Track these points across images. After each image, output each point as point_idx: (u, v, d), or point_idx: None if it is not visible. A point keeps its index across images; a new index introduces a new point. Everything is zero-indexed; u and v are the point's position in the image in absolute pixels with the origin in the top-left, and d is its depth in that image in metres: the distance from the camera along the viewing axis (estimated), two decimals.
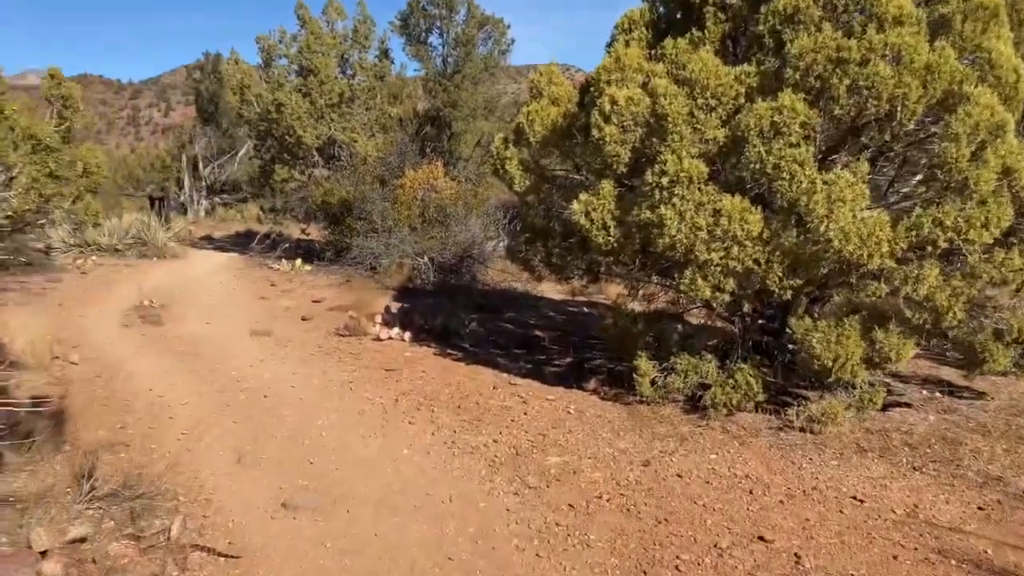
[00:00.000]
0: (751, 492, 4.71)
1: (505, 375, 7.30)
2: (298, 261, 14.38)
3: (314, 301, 11.36)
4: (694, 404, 6.27)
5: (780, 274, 5.45)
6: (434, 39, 17.16)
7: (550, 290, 12.41)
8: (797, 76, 5.40)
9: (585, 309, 11.62)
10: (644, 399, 6.29)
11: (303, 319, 9.89)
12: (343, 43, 15.43)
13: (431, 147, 16.12)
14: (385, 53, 16.13)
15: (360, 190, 13.83)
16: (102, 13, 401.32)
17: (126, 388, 6.42)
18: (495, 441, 5.49)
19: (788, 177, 5.14)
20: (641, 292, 8.27)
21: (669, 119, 5.55)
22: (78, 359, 7.05)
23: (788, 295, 5.60)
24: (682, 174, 5.44)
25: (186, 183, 27.76)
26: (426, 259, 12.65)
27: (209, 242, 19.97)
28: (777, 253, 5.40)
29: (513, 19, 18.00)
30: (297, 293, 12.08)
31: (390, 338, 8.60)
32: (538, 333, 9.51)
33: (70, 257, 14.54)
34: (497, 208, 14.21)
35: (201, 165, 28.84)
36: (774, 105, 5.22)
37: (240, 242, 19.89)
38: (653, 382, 6.25)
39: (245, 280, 13.29)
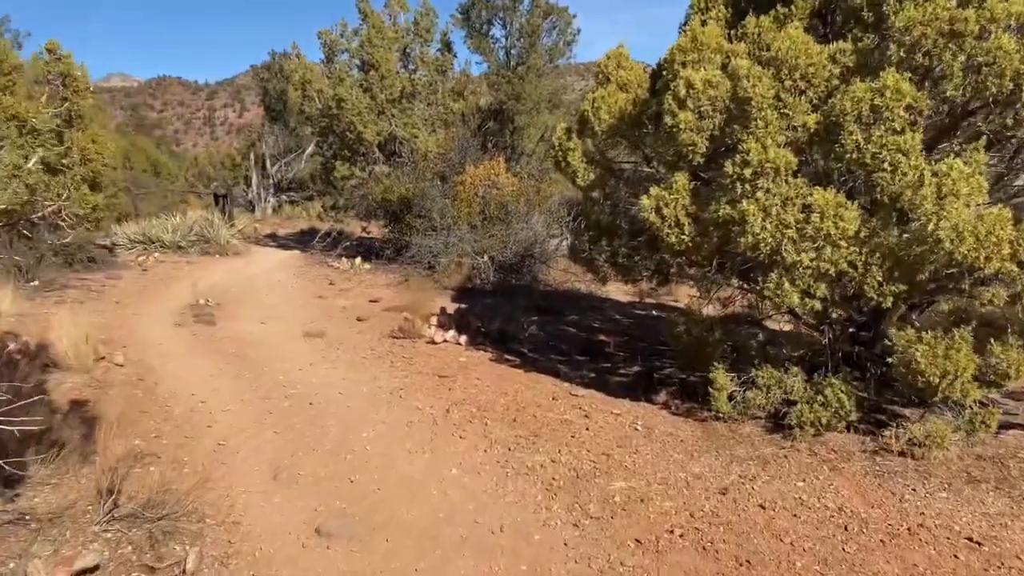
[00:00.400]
0: (846, 528, 4.08)
1: (566, 384, 6.77)
2: (357, 259, 14.13)
3: (371, 301, 11.04)
4: (777, 422, 5.62)
5: (879, 278, 4.78)
6: (496, 31, 16.73)
7: (616, 291, 11.81)
8: (902, 53, 4.73)
9: (653, 312, 10.99)
10: (720, 416, 5.67)
11: (358, 320, 9.55)
12: (405, 36, 15.10)
13: (493, 142, 15.69)
14: (447, 46, 15.74)
15: (420, 187, 13.48)
16: (179, 16, 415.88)
17: (168, 392, 6.14)
18: (553, 461, 4.97)
19: (890, 168, 4.49)
20: (714, 295, 7.64)
21: (753, 103, 4.95)
22: (123, 360, 6.82)
23: (888, 302, 4.91)
24: (767, 165, 4.82)
25: (254, 181, 28.03)
26: (486, 258, 12.22)
27: (273, 240, 19.99)
28: (876, 255, 4.73)
29: (579, 14, 17.42)
30: (354, 292, 11.79)
31: (445, 341, 8.17)
32: (602, 338, 8.94)
33: (133, 254, 14.63)
34: (560, 205, 13.67)
35: (268, 163, 29.10)
36: (875, 86, 4.56)
37: (303, 240, 19.86)
38: (731, 397, 5.65)
39: (304, 278, 13.09)
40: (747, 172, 4.86)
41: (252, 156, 28.92)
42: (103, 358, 6.71)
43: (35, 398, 5.22)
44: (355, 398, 6.24)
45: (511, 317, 9.04)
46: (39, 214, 3.04)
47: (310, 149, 30.34)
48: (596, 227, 7.00)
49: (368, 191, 14.46)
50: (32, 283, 10.50)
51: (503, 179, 13.16)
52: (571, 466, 4.88)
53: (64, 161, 3.01)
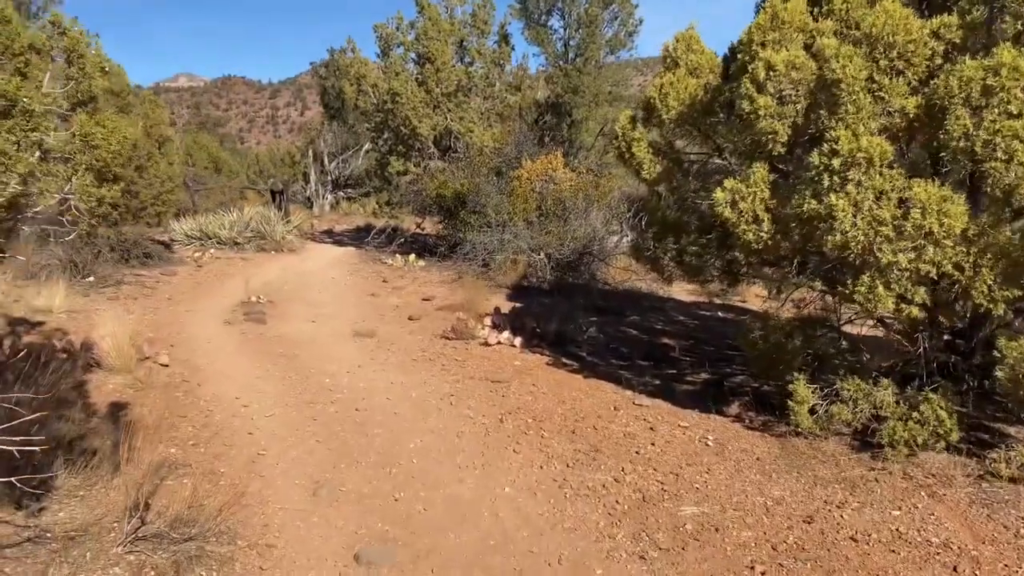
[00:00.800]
0: (955, 569, 3.55)
1: (628, 392, 6.30)
2: (411, 256, 13.88)
3: (423, 299, 10.75)
4: (864, 440, 5.07)
5: (990, 282, 4.22)
6: (555, 21, 16.28)
7: (678, 290, 11.25)
8: (1019, 26, 4.16)
9: (719, 313, 10.43)
10: (800, 431, 5.14)
11: (410, 319, 9.25)
12: (461, 29, 14.78)
13: (550, 136, 15.26)
14: (505, 39, 15.36)
15: (475, 182, 13.16)
16: (245, 15, 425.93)
17: (210, 395, 5.90)
18: (616, 480, 4.52)
19: (1005, 157, 3.94)
20: (788, 297, 7.09)
21: (842, 86, 4.42)
22: (169, 360, 6.64)
23: (999, 308, 4.34)
24: (859, 154, 4.29)
25: (312, 178, 28.19)
26: (542, 255, 11.82)
27: (329, 236, 19.96)
28: (987, 255, 4.17)
29: (641, 5, 16.79)
30: (407, 290, 11.52)
31: (499, 343, 7.79)
32: (666, 341, 8.43)
33: (190, 250, 14.66)
34: (620, 201, 13.16)
35: (327, 160, 29.24)
36: (988, 64, 4.00)
37: (359, 236, 19.77)
38: (812, 411, 5.12)
39: (357, 276, 12.89)
40: (836, 163, 4.34)
41: (311, 153, 29.10)
42: (148, 358, 6.53)
43: (71, 401, 5.04)
44: (403, 404, 5.91)
45: (569, 318, 8.61)
46: (37, 209, 2.76)
47: (367, 146, 30.45)
48: (662, 223, 6.53)
49: (422, 187, 14.19)
50: (87, 279, 10.49)
51: (560, 174, 12.74)
52: (636, 487, 4.44)
53: (68, 148, 2.71)
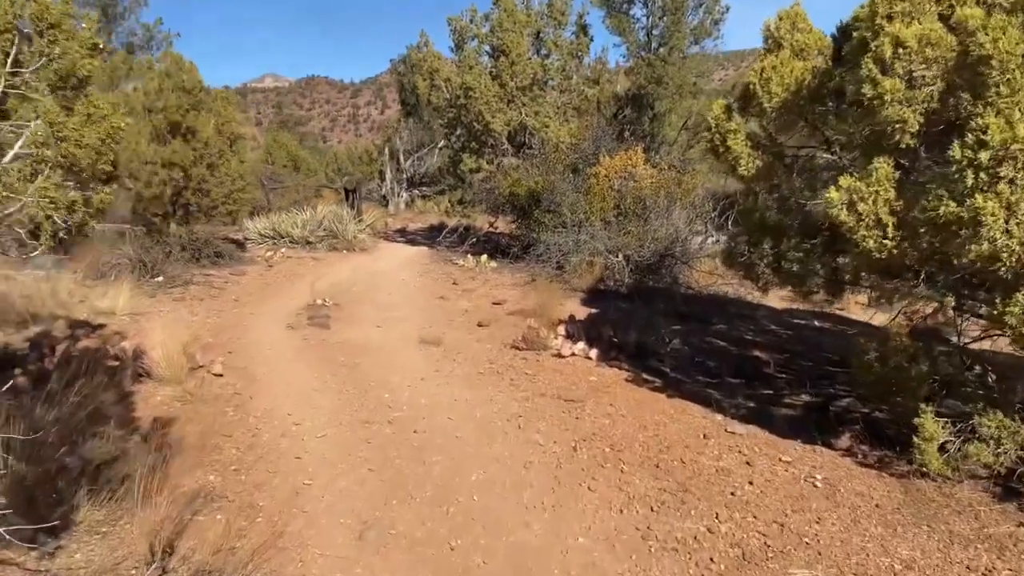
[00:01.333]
0: None
1: (719, 417, 5.56)
2: (483, 257, 13.40)
3: (494, 303, 10.23)
4: (1007, 486, 4.26)
5: None
6: (637, 10, 15.46)
7: (768, 295, 10.41)
8: None
9: (815, 322, 9.54)
10: (927, 471, 4.37)
11: (479, 325, 8.74)
12: (537, 20, 14.18)
13: (630, 131, 14.52)
14: (583, 30, 14.68)
15: (550, 180, 12.56)
16: (329, 16, 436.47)
17: (261, 410, 5.49)
18: (710, 531, 3.85)
19: None
20: (901, 308, 6.26)
21: (993, 63, 3.64)
22: (223, 368, 6.28)
23: None
24: (1013, 146, 3.52)
25: (387, 175, 28.14)
26: (620, 257, 11.12)
27: (402, 235, 19.72)
28: None
29: None
30: (478, 293, 11.03)
31: (573, 355, 7.17)
32: (758, 354, 7.62)
33: (262, 249, 14.56)
34: (705, 199, 12.33)
35: (402, 157, 29.16)
36: None
37: (432, 235, 19.45)
38: (942, 448, 4.34)
39: (428, 277, 12.49)
40: (983, 157, 3.57)
41: (387, 151, 29.07)
42: (201, 366, 6.20)
43: (111, 416, 4.69)
44: (466, 425, 5.36)
45: (649, 326, 7.92)
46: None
47: (441, 143, 30.23)
48: (759, 226, 5.78)
49: (495, 185, 13.68)
50: (156, 279, 10.39)
51: (641, 170, 12.00)
52: (733, 540, 3.76)
53: (31, 141, 2.25)
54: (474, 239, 15.14)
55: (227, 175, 12.51)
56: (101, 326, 7.25)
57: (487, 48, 14.10)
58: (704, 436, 5.20)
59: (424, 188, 29.68)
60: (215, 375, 6.14)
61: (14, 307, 7.03)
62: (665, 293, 10.27)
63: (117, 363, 5.84)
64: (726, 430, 5.29)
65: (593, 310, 9.32)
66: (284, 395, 5.88)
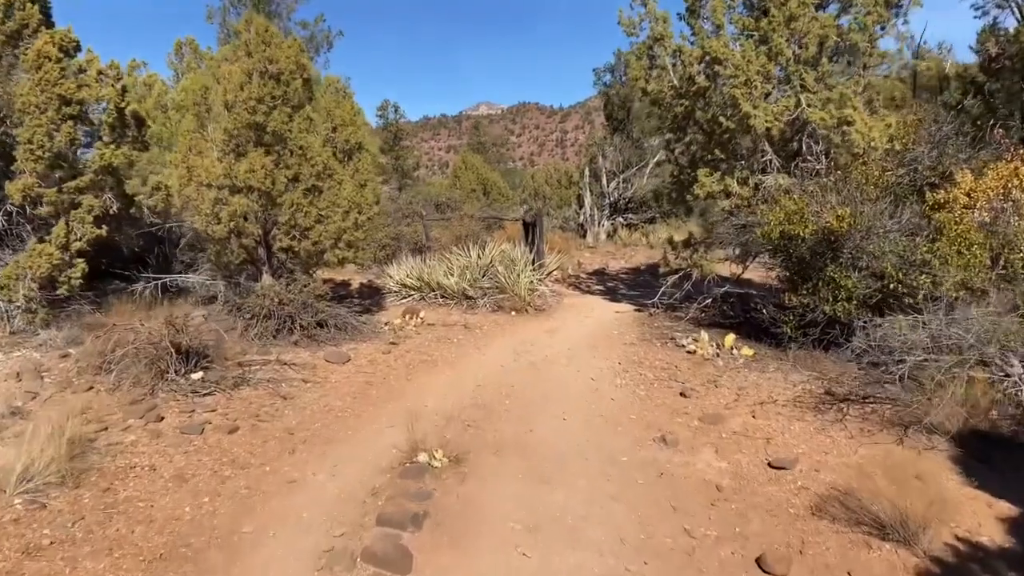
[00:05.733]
0: None
1: None
2: (729, 337, 8.08)
3: (772, 466, 5.00)
4: None
5: None
6: None
7: None
8: None
9: None
10: None
11: (750, 539, 3.54)
12: None
13: (994, 126, 8.50)
14: None
15: (860, 212, 7.08)
16: (539, 43, 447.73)
17: None
18: None
19: None
20: None
21: None
22: None
23: None
24: None
25: (586, 201, 23.44)
26: (1019, 366, 5.51)
27: (599, 279, 14.75)
28: None
29: None
30: (732, 425, 5.78)
31: None
32: None
33: (401, 307, 10.20)
34: None
35: (605, 179, 24.37)
36: None
37: (639, 282, 14.30)
38: None
39: (633, 377, 7.37)
40: None
41: (588, 172, 24.43)
42: None
43: None
44: None
45: None
46: None
47: (655, 158, 25.05)
48: None
49: (752, 218, 8.30)
50: (193, 375, 6.27)
51: None
52: None
53: None
54: (707, 298, 9.80)
55: (335, 204, 8.24)
56: None
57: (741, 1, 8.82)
58: None
59: (630, 215, 24.66)
60: None
61: None
62: None
63: None
64: None
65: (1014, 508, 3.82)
66: None
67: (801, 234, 7.41)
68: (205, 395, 6.19)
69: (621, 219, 24.30)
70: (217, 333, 7.20)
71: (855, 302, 7.08)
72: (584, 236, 23.38)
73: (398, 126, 36.44)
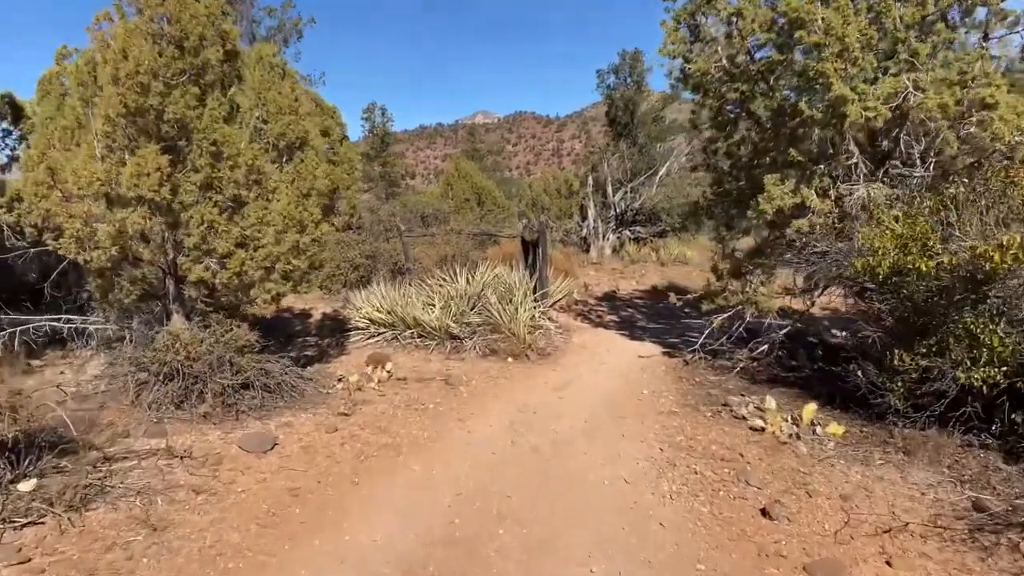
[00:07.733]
0: None
1: None
2: (809, 407, 5.78)
3: None
4: None
5: None
6: None
7: None
8: None
9: None
10: None
11: None
12: None
13: None
14: None
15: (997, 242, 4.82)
16: (536, 53, 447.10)
17: None
18: None
19: None
20: None
21: None
22: None
23: None
24: None
25: (590, 212, 21.18)
26: None
27: (611, 305, 12.47)
28: None
29: None
30: (836, 556, 3.53)
31: None
32: None
33: (364, 352, 7.88)
34: None
35: (610, 190, 22.14)
36: None
37: (660, 309, 12.02)
38: None
39: (683, 477, 5.03)
40: None
41: (591, 182, 22.19)
42: None
43: None
44: None
45: None
46: None
47: (664, 169, 22.82)
48: None
49: (842, 244, 6.01)
50: (23, 485, 3.98)
51: None
52: None
53: None
54: (765, 343, 7.52)
55: (265, 222, 5.96)
56: None
57: None
58: None
59: (638, 228, 22.42)
60: None
61: None
62: None
63: None
64: None
65: None
66: None
67: (924, 268, 5.14)
68: (24, 525, 3.90)
69: (628, 232, 22.05)
70: (96, 405, 4.92)
71: (1007, 367, 4.84)
72: (587, 251, 21.16)
73: (384, 130, 34.09)
